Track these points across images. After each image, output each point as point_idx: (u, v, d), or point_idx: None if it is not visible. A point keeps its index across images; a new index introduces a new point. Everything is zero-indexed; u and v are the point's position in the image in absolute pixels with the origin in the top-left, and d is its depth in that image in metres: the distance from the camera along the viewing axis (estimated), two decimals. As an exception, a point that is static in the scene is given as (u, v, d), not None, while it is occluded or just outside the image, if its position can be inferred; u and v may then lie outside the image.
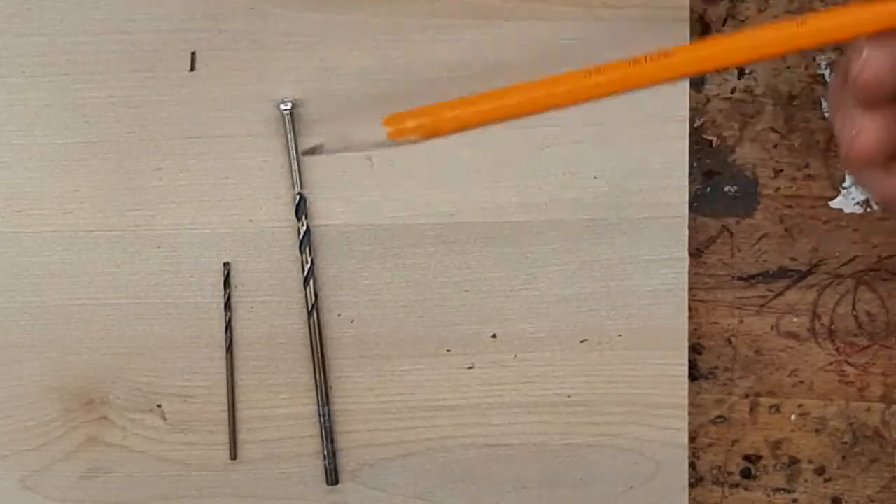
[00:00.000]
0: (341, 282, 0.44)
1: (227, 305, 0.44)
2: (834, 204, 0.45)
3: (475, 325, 0.45)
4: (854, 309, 0.45)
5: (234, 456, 0.45)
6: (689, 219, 0.44)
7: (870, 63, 0.34)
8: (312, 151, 0.41)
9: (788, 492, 0.46)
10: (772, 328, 0.45)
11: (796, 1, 0.43)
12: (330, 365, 0.45)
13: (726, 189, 0.45)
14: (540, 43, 0.42)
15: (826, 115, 0.43)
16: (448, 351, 0.45)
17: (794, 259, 0.45)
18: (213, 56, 0.43)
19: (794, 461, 0.46)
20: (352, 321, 0.45)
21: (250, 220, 0.44)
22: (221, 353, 0.45)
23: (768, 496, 0.46)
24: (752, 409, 0.46)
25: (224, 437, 0.45)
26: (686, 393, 0.45)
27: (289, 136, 0.43)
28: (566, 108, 0.37)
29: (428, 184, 0.44)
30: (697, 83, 0.44)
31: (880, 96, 0.35)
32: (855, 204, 0.44)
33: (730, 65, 0.37)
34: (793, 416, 0.46)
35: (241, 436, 0.45)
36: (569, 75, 0.37)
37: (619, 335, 0.44)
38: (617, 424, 0.45)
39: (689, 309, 0.44)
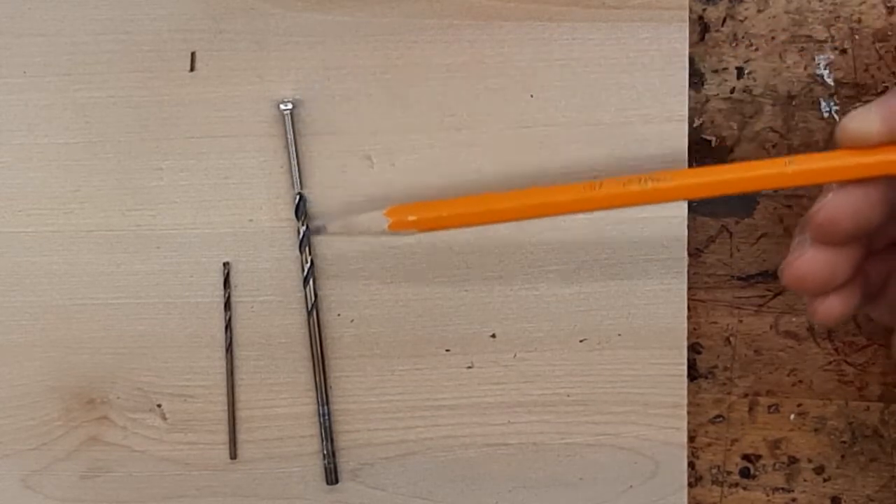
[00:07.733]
0: (341, 282, 0.44)
1: (227, 305, 0.44)
2: (833, 204, 0.45)
3: (475, 324, 0.45)
4: (853, 308, 0.45)
5: (234, 456, 0.45)
6: (689, 218, 0.44)
7: (828, 205, 0.37)
8: (317, 231, 0.43)
9: (787, 491, 0.46)
10: (771, 328, 0.45)
11: (794, 1, 0.43)
12: (330, 365, 0.45)
13: (725, 189, 0.45)
14: (540, 43, 0.42)
15: (825, 115, 0.43)
16: (447, 350, 0.45)
17: (793, 259, 0.45)
18: (213, 56, 0.43)
19: (793, 460, 0.46)
20: (352, 321, 0.45)
21: (250, 220, 0.44)
22: (221, 353, 0.45)
23: (767, 496, 0.46)
24: (751, 409, 0.46)
25: (224, 437, 0.45)
26: (685, 392, 0.45)
27: (289, 136, 0.43)
28: (564, 215, 0.40)
29: (428, 184, 0.44)
30: (696, 83, 0.44)
31: (831, 237, 0.37)
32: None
33: (720, 194, 0.39)
34: (792, 416, 0.46)
35: (241, 436, 0.45)
36: (571, 187, 0.39)
37: (619, 335, 0.44)
38: (616, 424, 0.45)
39: (689, 308, 0.45)
